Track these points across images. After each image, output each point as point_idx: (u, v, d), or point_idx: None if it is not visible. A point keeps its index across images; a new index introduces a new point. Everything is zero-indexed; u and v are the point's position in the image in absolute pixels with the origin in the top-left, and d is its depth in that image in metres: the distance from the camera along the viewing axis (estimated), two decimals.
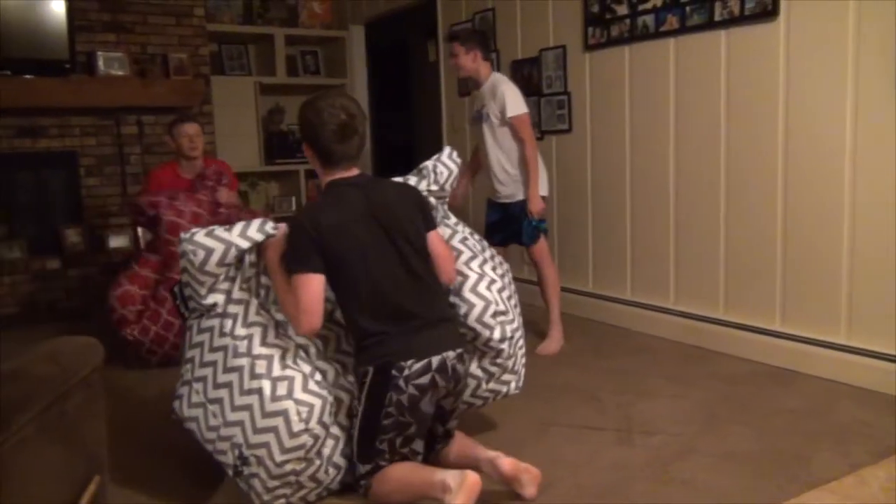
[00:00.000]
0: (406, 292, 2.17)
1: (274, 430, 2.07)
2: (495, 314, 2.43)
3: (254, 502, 2.15)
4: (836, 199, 3.06)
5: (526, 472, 2.19)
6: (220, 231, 2.25)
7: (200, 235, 2.24)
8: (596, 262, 4.34)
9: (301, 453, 2.10)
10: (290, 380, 2.13)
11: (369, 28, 6.66)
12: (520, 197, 3.74)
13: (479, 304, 2.42)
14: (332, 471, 2.21)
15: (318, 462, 2.16)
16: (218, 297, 2.26)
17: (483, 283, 2.46)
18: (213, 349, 2.23)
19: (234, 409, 2.12)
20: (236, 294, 2.27)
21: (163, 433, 2.86)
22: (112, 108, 5.12)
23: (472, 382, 2.48)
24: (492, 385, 2.56)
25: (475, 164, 4.06)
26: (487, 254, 2.62)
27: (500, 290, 2.50)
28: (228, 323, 2.24)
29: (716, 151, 3.53)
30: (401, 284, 2.17)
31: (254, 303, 2.28)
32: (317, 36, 6.62)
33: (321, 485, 2.21)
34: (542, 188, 3.77)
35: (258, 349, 2.18)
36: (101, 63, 5.05)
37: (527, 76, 4.61)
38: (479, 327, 2.41)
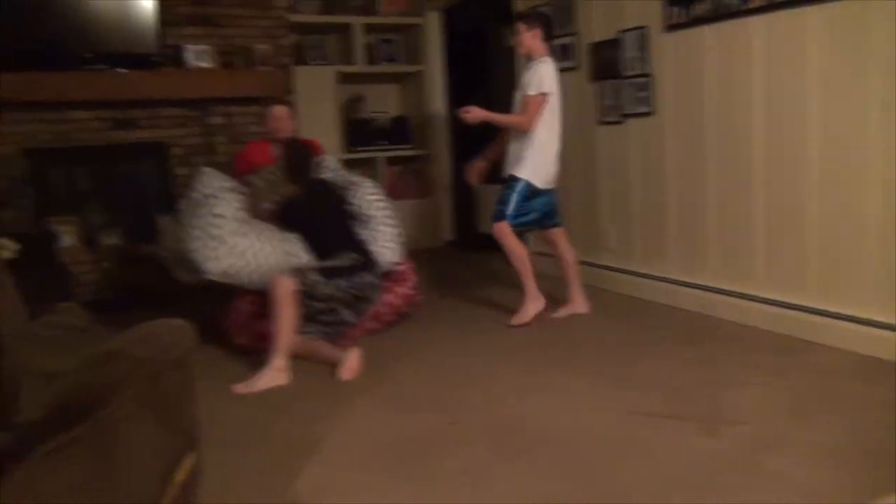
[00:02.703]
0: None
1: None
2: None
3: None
4: None
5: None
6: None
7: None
8: (678, 248, 4.24)
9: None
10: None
11: (446, 14, 6.66)
12: (519, 174, 3.97)
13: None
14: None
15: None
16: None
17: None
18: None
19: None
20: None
21: (250, 411, 2.97)
22: (199, 99, 5.29)
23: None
24: (375, 248, 3.90)
25: (498, 148, 4.25)
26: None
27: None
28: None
29: (806, 132, 3.38)
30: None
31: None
32: (394, 23, 6.67)
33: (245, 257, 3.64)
34: (535, 175, 3.96)
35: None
36: (188, 56, 5.22)
37: (606, 59, 4.52)
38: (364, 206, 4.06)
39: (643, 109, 4.31)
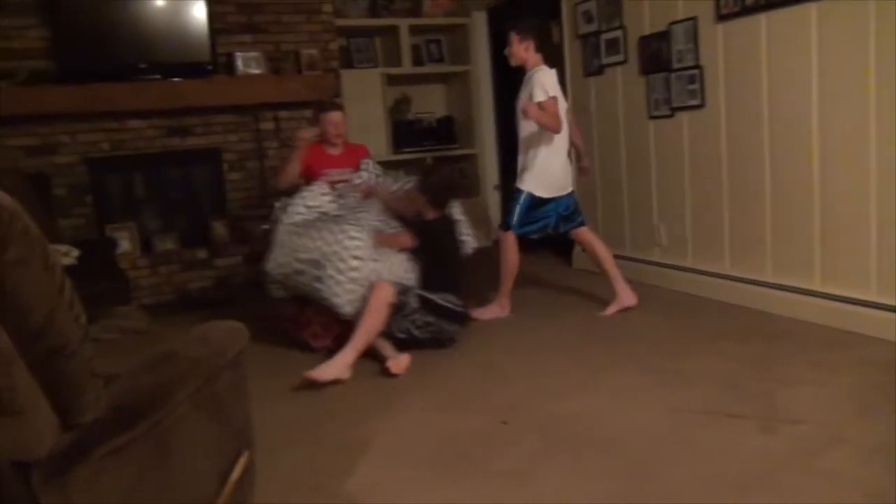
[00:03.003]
0: None
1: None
2: None
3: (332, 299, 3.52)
4: None
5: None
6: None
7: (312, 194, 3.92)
8: (733, 242, 4.15)
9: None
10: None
11: (492, 13, 6.64)
12: (522, 186, 4.11)
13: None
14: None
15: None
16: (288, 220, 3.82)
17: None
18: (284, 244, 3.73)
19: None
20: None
21: (301, 412, 3.01)
22: (250, 105, 5.39)
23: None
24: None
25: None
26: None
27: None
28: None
29: (864, 123, 3.28)
30: None
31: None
32: (440, 24, 6.68)
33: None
34: (537, 186, 4.07)
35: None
36: (239, 63, 5.33)
37: (655, 52, 4.46)
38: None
39: (693, 102, 4.24)
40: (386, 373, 3.32)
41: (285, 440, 2.70)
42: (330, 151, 4.33)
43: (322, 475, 2.43)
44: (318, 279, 3.55)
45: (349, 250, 3.54)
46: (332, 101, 4.75)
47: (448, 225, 3.90)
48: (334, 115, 4.32)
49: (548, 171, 4.08)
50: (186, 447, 1.55)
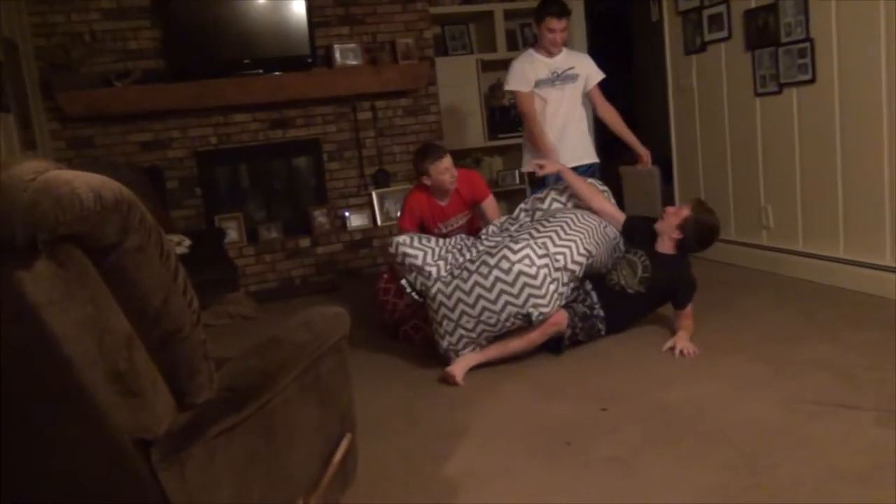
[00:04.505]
0: None
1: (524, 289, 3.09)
2: None
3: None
4: None
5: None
6: (423, 239, 3.41)
7: (414, 243, 3.37)
8: (848, 226, 3.92)
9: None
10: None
11: None
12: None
13: None
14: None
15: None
16: (433, 277, 3.29)
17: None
18: (448, 297, 3.19)
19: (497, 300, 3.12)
20: (444, 272, 3.30)
21: (398, 400, 3.07)
22: (348, 96, 5.51)
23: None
24: None
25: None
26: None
27: None
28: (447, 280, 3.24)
29: None
30: None
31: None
32: (535, 8, 6.59)
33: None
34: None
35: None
36: (337, 55, 5.44)
37: (762, 25, 4.26)
38: None
39: (804, 77, 4.02)
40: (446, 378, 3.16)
41: (385, 425, 2.75)
42: (439, 201, 3.88)
43: (420, 460, 2.47)
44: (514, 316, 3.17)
45: (536, 280, 3.10)
46: (434, 145, 4.02)
47: (679, 270, 3.44)
48: (446, 161, 3.72)
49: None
50: (292, 428, 1.60)
